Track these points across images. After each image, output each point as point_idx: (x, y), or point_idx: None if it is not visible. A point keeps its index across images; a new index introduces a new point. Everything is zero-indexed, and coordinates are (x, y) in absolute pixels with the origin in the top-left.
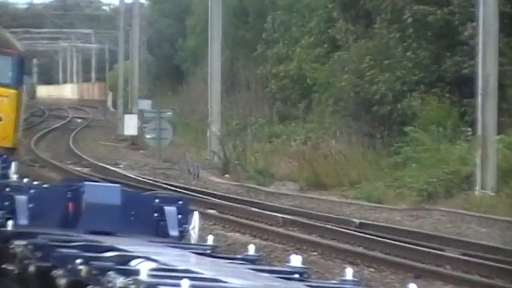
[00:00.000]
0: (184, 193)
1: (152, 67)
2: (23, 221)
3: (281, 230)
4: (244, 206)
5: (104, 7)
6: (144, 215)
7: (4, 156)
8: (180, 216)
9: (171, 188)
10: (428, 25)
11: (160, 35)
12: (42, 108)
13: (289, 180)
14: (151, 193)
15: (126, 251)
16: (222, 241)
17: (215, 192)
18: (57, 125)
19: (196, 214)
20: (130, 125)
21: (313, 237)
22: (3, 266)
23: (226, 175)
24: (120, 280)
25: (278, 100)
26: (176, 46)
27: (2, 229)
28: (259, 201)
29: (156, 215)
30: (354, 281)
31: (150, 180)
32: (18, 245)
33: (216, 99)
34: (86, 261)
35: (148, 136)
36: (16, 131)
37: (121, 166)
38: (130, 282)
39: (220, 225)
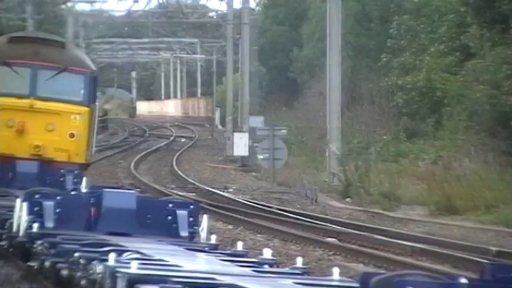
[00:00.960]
0: (301, 219)
1: (264, 80)
2: (49, 223)
3: (409, 260)
4: (367, 234)
5: (210, 14)
6: (158, 218)
7: (76, 171)
8: (191, 219)
9: (287, 213)
10: None
11: (273, 44)
12: (143, 127)
13: (418, 204)
14: (165, 198)
15: (122, 246)
16: (343, 273)
17: (335, 219)
18: (159, 145)
19: (205, 217)
20: (241, 145)
21: (445, 268)
22: (28, 263)
23: (348, 199)
24: (99, 267)
25: (405, 115)
26: (291, 56)
27: (29, 231)
28: (384, 228)
29: (169, 218)
30: None
31: (263, 205)
32: (38, 243)
33: (335, 115)
34: (83, 255)
35: (260, 157)
36: (89, 148)
37: (230, 190)
38: (101, 268)
39: (342, 255)
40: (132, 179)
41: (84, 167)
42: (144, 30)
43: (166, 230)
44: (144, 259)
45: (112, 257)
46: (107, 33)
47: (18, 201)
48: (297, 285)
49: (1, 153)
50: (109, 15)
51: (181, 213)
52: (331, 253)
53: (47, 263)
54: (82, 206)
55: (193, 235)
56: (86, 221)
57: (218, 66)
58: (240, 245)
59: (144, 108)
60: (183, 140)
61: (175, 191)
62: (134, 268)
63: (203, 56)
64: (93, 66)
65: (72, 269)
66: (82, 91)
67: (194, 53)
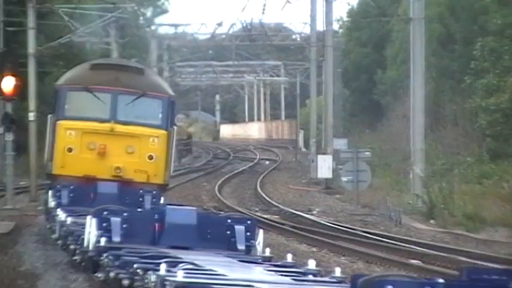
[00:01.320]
0: (384, 241)
1: (348, 102)
2: (116, 238)
3: None
4: (451, 256)
5: (293, 36)
6: (217, 232)
7: (155, 192)
8: (248, 233)
9: (371, 235)
10: None
11: (356, 66)
12: (226, 149)
13: (502, 225)
14: (225, 215)
15: (178, 258)
16: None
17: (419, 241)
18: (243, 168)
19: (261, 232)
20: (324, 167)
21: None
22: (95, 274)
23: (432, 221)
24: (153, 277)
25: (488, 136)
26: (374, 78)
27: (97, 244)
28: (468, 249)
29: (228, 232)
30: None
31: (347, 227)
32: (105, 256)
33: (419, 137)
34: (140, 266)
35: (344, 179)
36: (166, 169)
37: (314, 213)
38: (154, 277)
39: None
40: (216, 201)
41: (163, 187)
42: (227, 53)
43: (225, 244)
44: (194, 269)
45: (163, 267)
46: (190, 56)
47: (88, 217)
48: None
49: (83, 174)
50: (193, 38)
51: (239, 228)
52: (415, 275)
53: (111, 274)
54: (147, 222)
55: (249, 248)
56: (151, 235)
57: (302, 88)
58: (289, 257)
59: (227, 131)
60: (266, 162)
61: (258, 214)
62: (180, 277)
63: (286, 79)
64: (170, 91)
65: (132, 279)
66: (160, 115)
67: (278, 76)
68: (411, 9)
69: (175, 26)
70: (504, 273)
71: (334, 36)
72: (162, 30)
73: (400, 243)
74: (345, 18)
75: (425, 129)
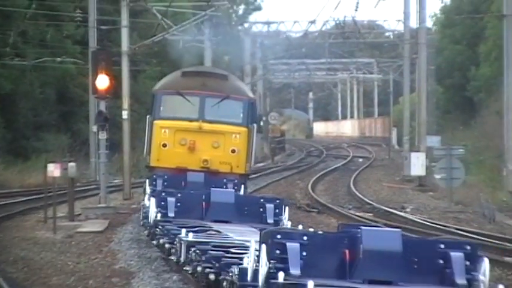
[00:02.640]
0: (478, 239)
1: (441, 99)
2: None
3: None
4: None
5: (387, 33)
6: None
7: (236, 180)
8: (276, 210)
9: (465, 233)
10: None
11: (450, 63)
12: (320, 147)
13: None
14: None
15: (209, 227)
16: None
17: None
18: (336, 166)
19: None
20: (418, 164)
21: None
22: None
23: None
24: (177, 239)
25: None
26: (468, 75)
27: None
28: None
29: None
30: None
31: (441, 225)
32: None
33: None
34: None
35: (437, 176)
36: (247, 161)
37: (407, 210)
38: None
39: None
40: (309, 199)
41: (244, 177)
42: (320, 50)
43: (258, 218)
44: (213, 234)
45: (183, 231)
46: (283, 54)
47: (151, 198)
48: None
49: (176, 166)
50: (286, 36)
51: (269, 206)
52: (509, 273)
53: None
54: (196, 201)
55: (277, 222)
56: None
57: (395, 85)
58: (300, 227)
59: (320, 128)
60: (360, 160)
61: (352, 211)
62: (190, 237)
63: (380, 76)
64: (250, 94)
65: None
66: (241, 115)
67: (371, 73)
68: (504, 6)
69: (268, 23)
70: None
71: (428, 33)
72: (255, 29)
73: (494, 241)
74: (439, 15)
75: None
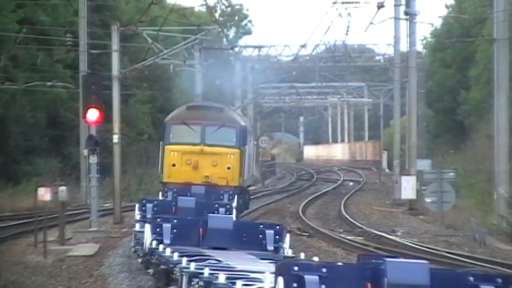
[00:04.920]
0: (469, 263)
1: (432, 123)
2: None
3: None
4: None
5: (377, 57)
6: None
7: (231, 192)
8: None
9: (453, 256)
10: None
11: (440, 87)
12: (310, 171)
13: None
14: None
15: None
16: None
17: (505, 262)
18: (327, 189)
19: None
20: (408, 188)
21: None
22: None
23: None
24: (176, 269)
25: None
26: (458, 99)
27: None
28: None
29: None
30: None
31: (431, 248)
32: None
33: (503, 157)
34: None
35: (428, 200)
36: (240, 175)
37: (398, 234)
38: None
39: None
40: (300, 223)
41: (238, 188)
42: (311, 74)
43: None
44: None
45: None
46: (274, 78)
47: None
48: None
49: (183, 181)
50: (276, 60)
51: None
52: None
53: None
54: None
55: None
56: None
57: (385, 109)
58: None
59: (311, 152)
60: (350, 183)
61: (342, 235)
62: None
63: (370, 100)
64: (242, 122)
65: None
66: (234, 139)
67: (361, 97)
68: (495, 30)
69: (259, 47)
70: None
71: (418, 57)
72: (245, 53)
73: (485, 265)
74: (429, 39)
75: (510, 149)
